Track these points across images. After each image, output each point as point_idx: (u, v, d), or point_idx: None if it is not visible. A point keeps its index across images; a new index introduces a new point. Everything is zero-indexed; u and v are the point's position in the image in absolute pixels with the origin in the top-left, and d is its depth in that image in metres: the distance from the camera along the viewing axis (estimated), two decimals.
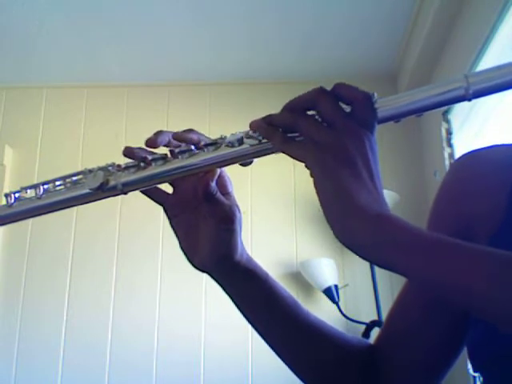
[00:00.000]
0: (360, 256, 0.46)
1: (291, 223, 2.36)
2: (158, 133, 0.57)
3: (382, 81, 2.54)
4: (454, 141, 2.07)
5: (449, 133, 2.09)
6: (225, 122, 2.35)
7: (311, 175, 0.48)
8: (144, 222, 2.25)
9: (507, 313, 0.40)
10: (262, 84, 2.55)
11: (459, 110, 2.02)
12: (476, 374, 0.59)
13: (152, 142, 0.56)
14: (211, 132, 0.58)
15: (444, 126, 2.10)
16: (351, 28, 2.28)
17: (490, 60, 1.70)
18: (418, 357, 0.66)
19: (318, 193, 0.48)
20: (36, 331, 2.30)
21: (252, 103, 2.44)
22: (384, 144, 2.41)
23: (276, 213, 2.40)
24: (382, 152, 2.13)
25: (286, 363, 0.65)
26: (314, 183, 0.48)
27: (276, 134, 0.52)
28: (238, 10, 2.18)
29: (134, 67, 2.55)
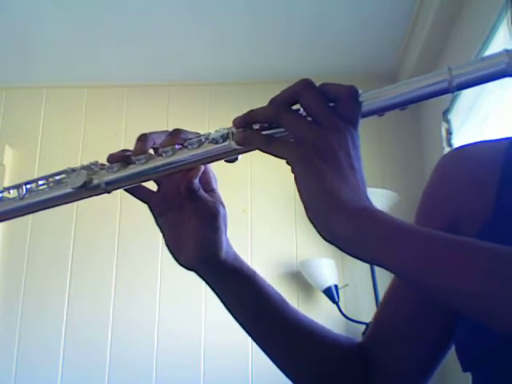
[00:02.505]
0: (344, 251, 0.46)
1: (291, 223, 2.36)
2: (143, 138, 0.57)
3: (382, 81, 2.53)
4: (454, 141, 2.07)
5: (449, 133, 2.09)
6: (225, 122, 2.34)
7: (292, 171, 0.48)
8: (144, 222, 2.24)
9: (498, 309, 0.39)
10: (262, 84, 2.55)
11: (459, 110, 2.02)
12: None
13: (140, 150, 0.56)
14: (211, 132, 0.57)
15: (444, 125, 2.10)
16: (351, 28, 2.28)
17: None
18: (405, 356, 0.66)
19: (299, 189, 0.47)
20: (36, 331, 2.30)
21: (252, 103, 2.41)
22: (384, 144, 2.42)
23: (276, 212, 2.40)
24: (383, 152, 2.12)
25: (274, 361, 0.65)
26: (295, 180, 0.48)
27: (255, 137, 0.51)
28: (238, 10, 2.18)
29: (133, 67, 2.55)
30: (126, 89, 2.62)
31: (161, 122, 2.52)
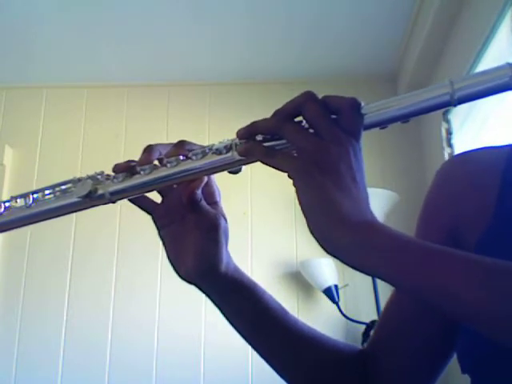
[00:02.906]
0: (345, 263, 0.46)
1: (291, 223, 2.36)
2: (149, 149, 0.57)
3: (382, 81, 2.54)
4: (454, 141, 2.07)
5: (449, 133, 2.09)
6: (225, 122, 2.35)
7: (294, 185, 0.48)
8: (144, 222, 2.24)
9: (493, 320, 0.40)
10: (261, 84, 2.54)
11: (459, 110, 2.02)
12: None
13: (146, 161, 0.56)
14: (211, 132, 0.58)
15: (444, 125, 2.10)
16: (351, 28, 2.28)
17: (489, 60, 1.71)
18: (408, 363, 0.66)
19: (300, 202, 0.48)
20: (36, 331, 2.30)
21: (252, 103, 2.44)
22: (384, 144, 2.42)
23: (276, 213, 2.40)
24: (383, 152, 2.13)
25: (276, 370, 0.65)
26: (297, 192, 0.48)
27: (256, 148, 0.51)
28: (238, 10, 2.18)
29: (133, 67, 2.55)
30: (126, 89, 2.62)
31: (161, 122, 2.52)
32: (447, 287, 0.41)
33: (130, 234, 2.38)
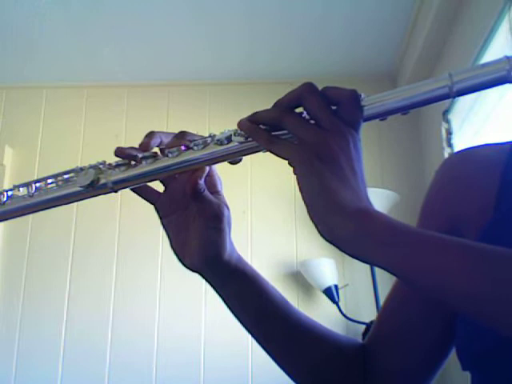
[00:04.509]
0: (344, 251, 0.47)
1: (291, 223, 2.36)
2: (151, 134, 0.58)
3: (382, 81, 2.54)
4: (454, 141, 2.07)
5: (449, 133, 2.09)
6: (225, 122, 2.34)
7: (294, 173, 0.49)
8: (144, 222, 2.25)
9: (493, 308, 0.40)
10: (261, 84, 2.55)
11: (459, 110, 2.02)
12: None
13: (146, 146, 0.57)
14: (211, 132, 0.58)
15: (444, 125, 2.10)
16: (351, 28, 2.28)
17: (489, 60, 1.70)
18: (405, 356, 0.66)
19: (301, 190, 0.49)
20: (36, 331, 2.30)
21: (252, 103, 2.44)
22: (384, 144, 2.42)
23: (276, 212, 2.40)
24: (383, 152, 2.12)
25: (277, 362, 0.65)
26: (297, 181, 0.49)
27: (260, 133, 0.52)
28: (237, 10, 2.18)
29: (133, 67, 2.55)
30: (126, 89, 2.62)
31: (161, 122, 2.52)
32: (444, 276, 0.41)
33: (130, 233, 2.38)
